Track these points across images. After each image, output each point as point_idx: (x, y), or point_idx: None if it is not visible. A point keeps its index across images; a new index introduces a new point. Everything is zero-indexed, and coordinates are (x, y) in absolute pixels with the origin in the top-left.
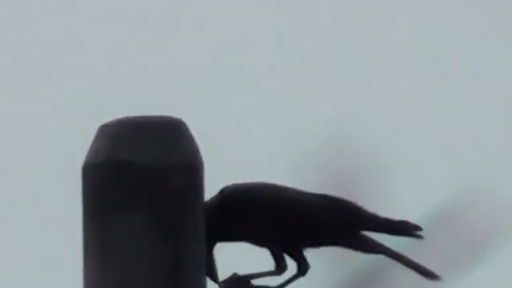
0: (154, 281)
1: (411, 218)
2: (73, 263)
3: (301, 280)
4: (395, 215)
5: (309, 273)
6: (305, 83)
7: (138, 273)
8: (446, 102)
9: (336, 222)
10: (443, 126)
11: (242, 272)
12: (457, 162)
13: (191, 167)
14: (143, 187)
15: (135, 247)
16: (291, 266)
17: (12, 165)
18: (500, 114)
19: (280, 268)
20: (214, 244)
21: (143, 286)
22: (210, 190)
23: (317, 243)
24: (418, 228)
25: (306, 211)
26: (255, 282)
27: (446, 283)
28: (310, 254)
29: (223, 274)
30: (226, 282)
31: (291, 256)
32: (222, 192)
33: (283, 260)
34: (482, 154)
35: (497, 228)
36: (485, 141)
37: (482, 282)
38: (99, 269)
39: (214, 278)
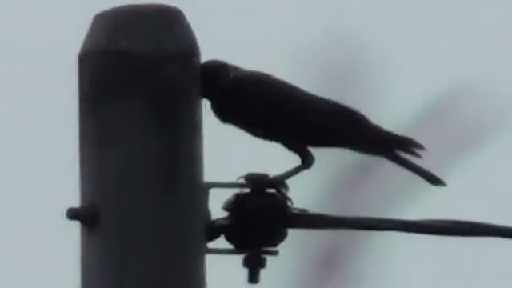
0: (149, 169)
1: (405, 110)
2: (68, 152)
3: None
4: (389, 110)
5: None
6: None
7: (134, 161)
8: None
9: (340, 128)
10: (436, 19)
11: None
12: (449, 55)
13: (188, 56)
14: (140, 76)
15: (131, 136)
16: None
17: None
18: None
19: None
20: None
21: (138, 175)
22: None
23: (319, 143)
24: (421, 147)
25: (310, 110)
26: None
27: (440, 175)
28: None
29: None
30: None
31: (294, 150)
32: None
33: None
34: (474, 46)
35: (489, 119)
36: (478, 33)
37: (475, 173)
38: (95, 158)
39: None
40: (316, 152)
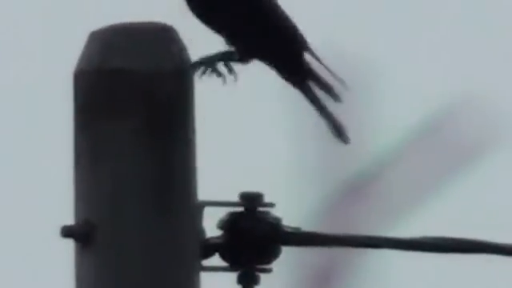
0: (143, 187)
1: (402, 124)
2: (62, 170)
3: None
4: (385, 125)
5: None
6: None
7: (128, 179)
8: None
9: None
10: (434, 34)
11: None
12: (447, 70)
13: (182, 74)
14: (134, 95)
15: (126, 154)
16: None
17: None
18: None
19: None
20: None
21: (133, 192)
22: (201, 96)
23: (262, 54)
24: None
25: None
26: None
27: (435, 191)
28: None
29: None
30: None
31: (233, 42)
32: None
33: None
34: (472, 64)
35: (486, 137)
36: (476, 51)
37: (471, 189)
38: (89, 175)
39: None
40: (309, 171)
